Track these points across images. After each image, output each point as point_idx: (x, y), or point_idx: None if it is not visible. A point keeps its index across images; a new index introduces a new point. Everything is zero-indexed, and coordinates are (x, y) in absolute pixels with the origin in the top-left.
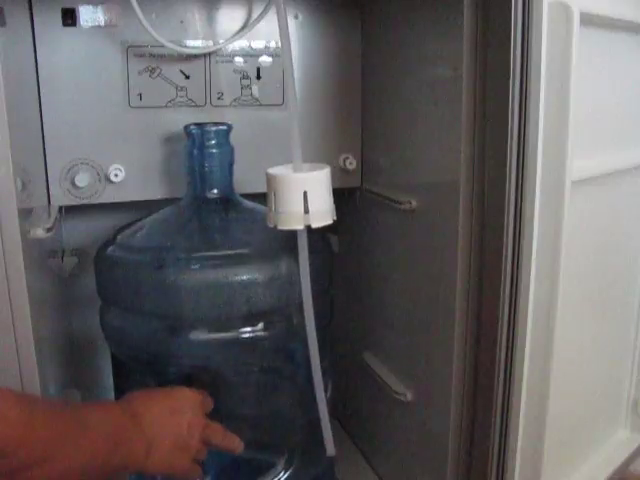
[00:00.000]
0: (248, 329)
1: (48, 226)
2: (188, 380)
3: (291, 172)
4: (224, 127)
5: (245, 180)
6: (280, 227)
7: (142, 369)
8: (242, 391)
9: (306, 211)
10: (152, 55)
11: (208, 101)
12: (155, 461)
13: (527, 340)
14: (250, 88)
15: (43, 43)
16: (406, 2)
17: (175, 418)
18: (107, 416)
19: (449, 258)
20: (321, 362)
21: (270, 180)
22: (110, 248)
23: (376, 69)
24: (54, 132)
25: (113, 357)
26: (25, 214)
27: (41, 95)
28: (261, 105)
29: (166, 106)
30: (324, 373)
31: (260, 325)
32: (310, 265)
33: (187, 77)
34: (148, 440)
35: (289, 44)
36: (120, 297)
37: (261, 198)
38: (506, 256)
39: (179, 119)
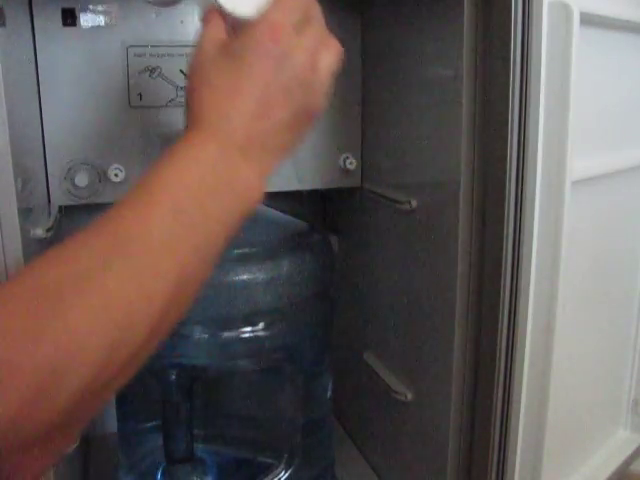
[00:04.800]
0: (248, 329)
1: (48, 226)
2: (189, 380)
3: None
4: None
5: None
6: None
7: (142, 369)
8: (242, 391)
9: None
10: (152, 55)
11: None
12: (274, 163)
13: (527, 340)
14: None
15: (43, 43)
16: (406, 2)
17: (272, 94)
18: (181, 184)
19: (449, 258)
20: (322, 362)
21: None
22: None
23: (376, 69)
24: (54, 132)
25: None
26: (25, 214)
27: (41, 95)
28: None
29: (166, 106)
30: (324, 373)
31: (261, 325)
32: (310, 265)
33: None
34: (255, 156)
35: None
36: None
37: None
38: (506, 256)
39: (179, 119)
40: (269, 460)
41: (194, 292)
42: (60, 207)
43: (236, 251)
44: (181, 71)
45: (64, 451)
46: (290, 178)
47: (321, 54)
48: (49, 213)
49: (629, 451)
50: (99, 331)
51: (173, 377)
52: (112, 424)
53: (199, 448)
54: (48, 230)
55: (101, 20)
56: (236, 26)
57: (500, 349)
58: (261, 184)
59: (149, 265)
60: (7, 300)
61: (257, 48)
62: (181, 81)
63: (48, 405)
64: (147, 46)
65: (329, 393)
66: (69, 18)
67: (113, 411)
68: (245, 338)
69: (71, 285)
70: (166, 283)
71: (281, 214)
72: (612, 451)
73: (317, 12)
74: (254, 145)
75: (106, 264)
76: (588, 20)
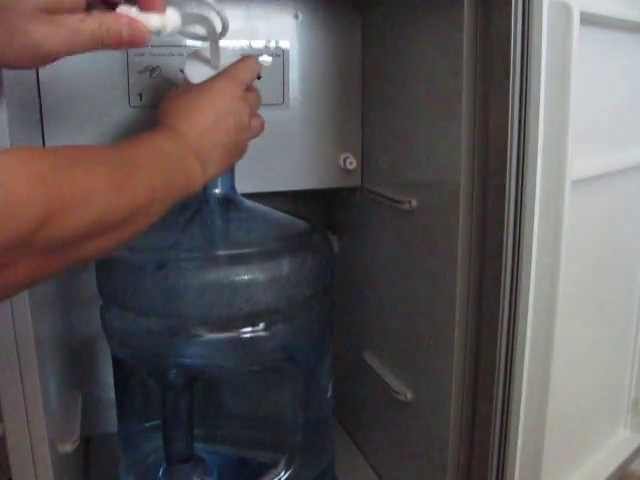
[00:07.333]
0: (249, 329)
1: None
2: (189, 380)
3: None
4: None
5: (246, 180)
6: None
7: (143, 369)
8: (242, 391)
9: None
10: (152, 55)
11: None
12: (211, 172)
13: (527, 340)
14: None
15: None
16: (406, 2)
17: (221, 122)
18: (155, 149)
19: (449, 258)
20: (322, 362)
21: None
22: None
23: (376, 69)
24: (54, 132)
25: (114, 357)
26: None
27: (41, 95)
28: (261, 105)
29: None
30: (324, 373)
31: (261, 325)
32: (311, 265)
33: None
34: (201, 159)
35: None
36: (121, 297)
37: (262, 198)
38: (506, 256)
39: None
40: (269, 460)
41: (157, 213)
42: None
43: (236, 251)
44: (181, 71)
45: (48, 275)
46: (290, 178)
47: (253, 117)
48: None
49: (629, 451)
50: (98, 191)
51: (173, 377)
52: (112, 424)
53: (199, 448)
54: None
55: None
56: None
57: (500, 349)
58: (202, 180)
59: (136, 174)
60: (42, 157)
61: (220, 88)
62: (181, 81)
63: (55, 229)
64: (147, 46)
65: (329, 393)
66: None
67: (113, 411)
68: (245, 338)
69: (82, 163)
70: (145, 189)
71: (281, 214)
72: (612, 451)
73: (256, 90)
74: (204, 150)
75: (110, 164)
76: (588, 20)
